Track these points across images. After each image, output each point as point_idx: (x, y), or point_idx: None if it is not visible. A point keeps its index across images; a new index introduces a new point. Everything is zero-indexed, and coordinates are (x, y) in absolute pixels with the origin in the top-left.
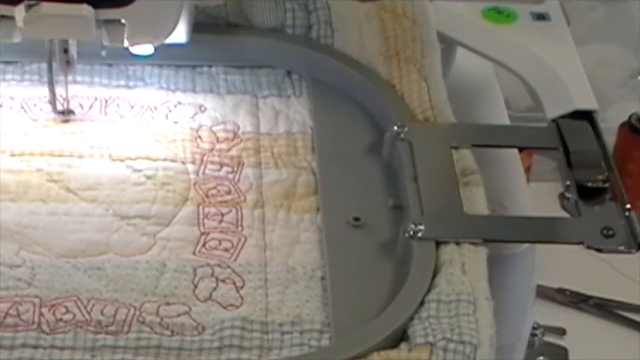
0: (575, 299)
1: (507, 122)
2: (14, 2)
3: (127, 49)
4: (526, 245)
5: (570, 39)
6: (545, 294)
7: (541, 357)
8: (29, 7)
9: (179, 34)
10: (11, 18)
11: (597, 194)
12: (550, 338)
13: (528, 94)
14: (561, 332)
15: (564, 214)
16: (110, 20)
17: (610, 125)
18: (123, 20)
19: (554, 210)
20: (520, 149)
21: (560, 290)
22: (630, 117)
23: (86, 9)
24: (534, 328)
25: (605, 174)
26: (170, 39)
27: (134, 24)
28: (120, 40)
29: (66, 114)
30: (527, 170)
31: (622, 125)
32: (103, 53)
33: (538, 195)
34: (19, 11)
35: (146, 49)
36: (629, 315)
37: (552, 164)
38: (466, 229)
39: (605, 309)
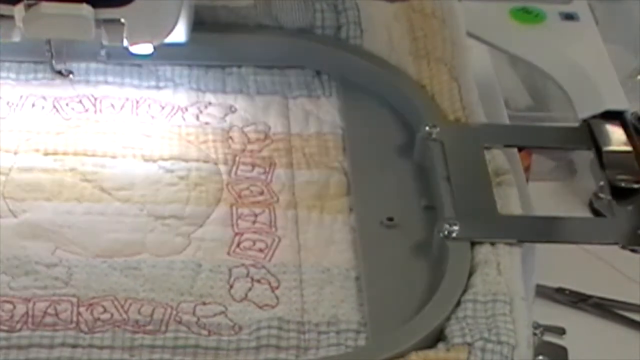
0: (574, 298)
1: (506, 121)
2: (13, 2)
3: (126, 48)
4: (525, 244)
5: (599, 38)
6: (544, 293)
7: (541, 357)
8: (28, 6)
9: (179, 34)
10: (11, 17)
11: (630, 194)
12: (549, 337)
13: (562, 95)
14: (561, 331)
15: (563, 214)
16: (109, 19)
17: None
18: (122, 20)
19: (553, 210)
20: (551, 149)
21: (560, 290)
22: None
23: (85, 9)
24: (533, 327)
25: (638, 174)
26: (170, 39)
27: (133, 23)
28: (120, 39)
29: (65, 74)
30: (527, 170)
31: None
32: (102, 52)
33: (538, 195)
34: (19, 10)
35: (145, 48)
36: (629, 315)
37: (551, 163)
38: (501, 229)
39: (605, 308)
